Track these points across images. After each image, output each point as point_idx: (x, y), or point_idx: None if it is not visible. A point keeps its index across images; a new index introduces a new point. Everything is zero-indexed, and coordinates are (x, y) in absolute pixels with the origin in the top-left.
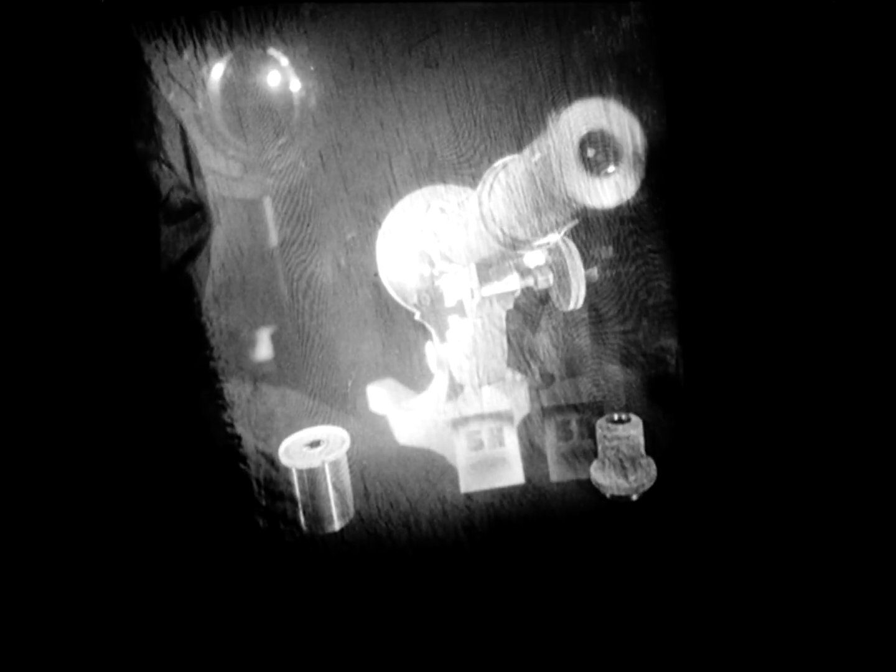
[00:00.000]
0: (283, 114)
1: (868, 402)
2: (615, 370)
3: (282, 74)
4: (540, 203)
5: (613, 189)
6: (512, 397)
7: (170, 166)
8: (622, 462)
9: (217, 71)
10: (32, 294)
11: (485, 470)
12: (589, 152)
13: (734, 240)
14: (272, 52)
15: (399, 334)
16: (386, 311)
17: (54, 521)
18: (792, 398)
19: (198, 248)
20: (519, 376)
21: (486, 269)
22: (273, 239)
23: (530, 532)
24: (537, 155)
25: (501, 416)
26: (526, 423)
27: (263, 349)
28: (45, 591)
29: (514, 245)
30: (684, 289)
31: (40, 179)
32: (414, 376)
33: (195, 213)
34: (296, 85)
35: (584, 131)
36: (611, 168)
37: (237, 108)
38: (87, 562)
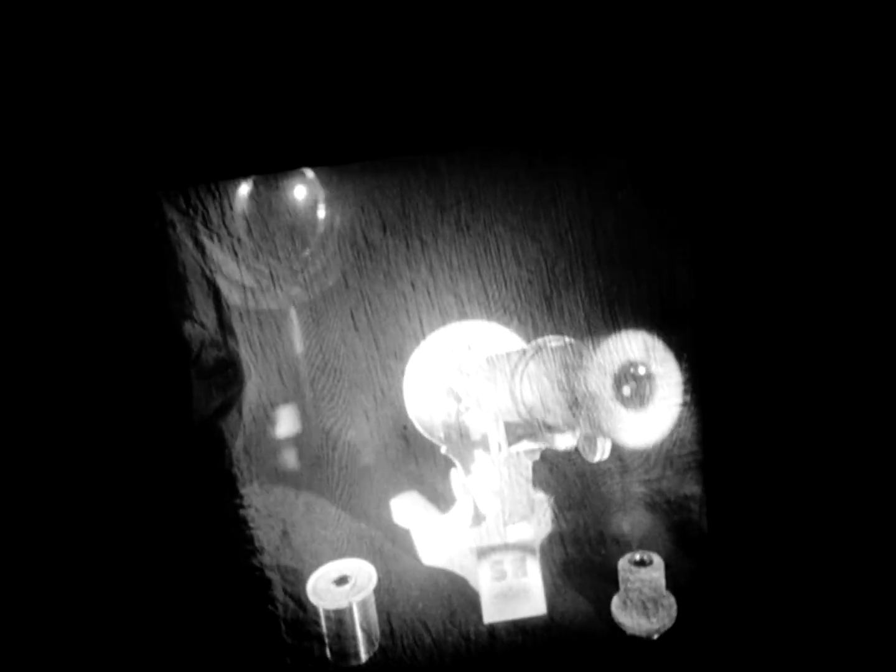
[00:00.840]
0: (309, 226)
1: None
2: (639, 514)
3: (308, 188)
4: (569, 402)
5: (647, 426)
6: (535, 520)
7: (202, 325)
8: (644, 603)
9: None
10: (77, 444)
11: (508, 601)
12: (625, 391)
13: (757, 396)
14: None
15: (428, 476)
16: (414, 461)
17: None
18: (812, 551)
19: (230, 403)
20: (541, 496)
21: (515, 428)
22: (306, 393)
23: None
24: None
25: (525, 548)
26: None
27: (293, 497)
28: None
29: (542, 426)
30: (709, 440)
31: (81, 339)
32: (438, 496)
33: (227, 370)
34: (320, 199)
35: (619, 365)
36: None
37: (266, 224)
38: None
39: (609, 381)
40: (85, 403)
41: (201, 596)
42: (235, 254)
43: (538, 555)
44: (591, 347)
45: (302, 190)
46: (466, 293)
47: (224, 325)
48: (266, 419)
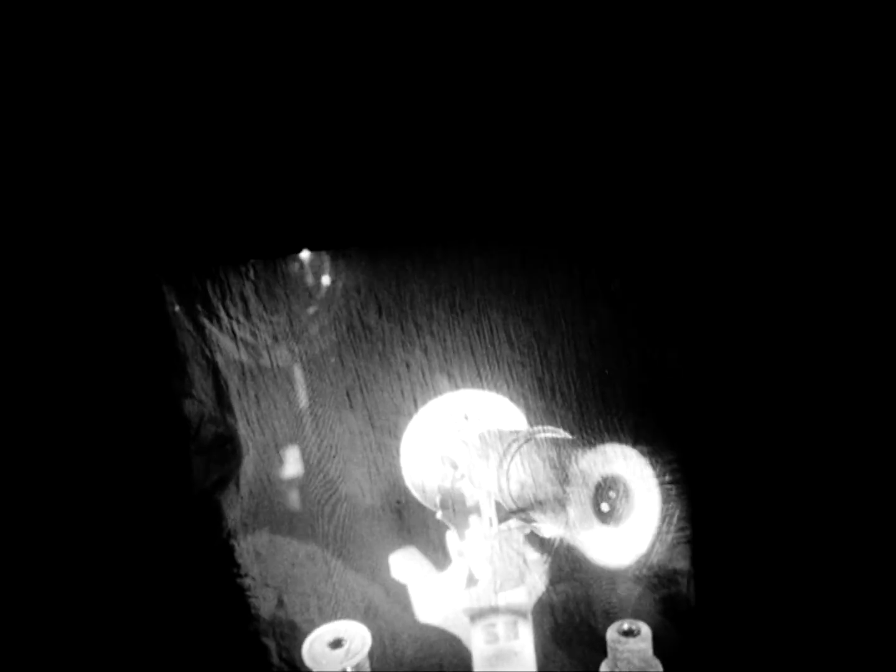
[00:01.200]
0: (306, 308)
1: None
2: (628, 586)
3: (306, 271)
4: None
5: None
6: (528, 585)
7: (201, 402)
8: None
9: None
10: (75, 511)
11: (499, 663)
12: (603, 506)
13: (747, 477)
14: None
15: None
16: (407, 533)
17: None
18: (797, 628)
19: (227, 478)
20: (536, 556)
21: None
22: (302, 469)
23: None
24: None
25: (517, 611)
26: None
27: (289, 566)
28: None
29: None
30: (698, 518)
31: (84, 416)
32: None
33: (225, 445)
34: (317, 282)
35: (598, 478)
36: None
37: (264, 306)
38: None
39: (589, 493)
40: (89, 476)
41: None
42: (234, 334)
43: (530, 618)
44: (580, 444)
45: (300, 273)
46: (460, 373)
47: (223, 403)
48: (263, 493)
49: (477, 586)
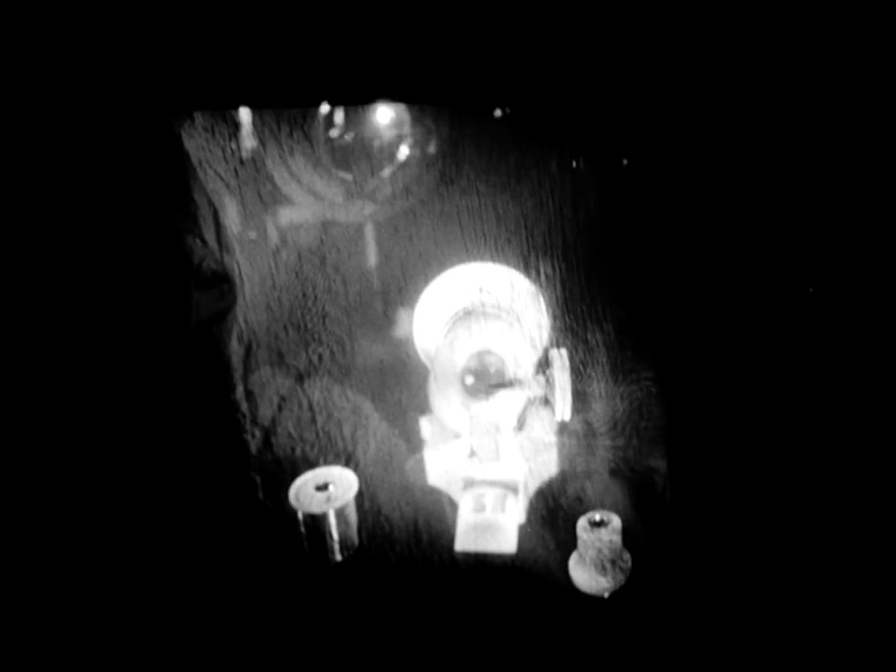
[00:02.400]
0: (389, 147)
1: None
2: (601, 477)
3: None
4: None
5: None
6: (535, 462)
7: (203, 241)
8: (603, 563)
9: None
10: (70, 342)
11: (482, 532)
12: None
13: (726, 378)
14: None
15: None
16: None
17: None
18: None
19: (224, 313)
20: (552, 438)
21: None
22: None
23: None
24: None
25: (508, 485)
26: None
27: (275, 408)
28: None
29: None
30: (677, 417)
31: (90, 243)
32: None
33: (223, 284)
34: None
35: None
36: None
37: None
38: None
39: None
40: (90, 303)
41: (190, 491)
42: (237, 175)
43: (521, 496)
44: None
45: (315, 125)
46: (446, 242)
47: (223, 243)
48: (255, 334)
49: (476, 458)
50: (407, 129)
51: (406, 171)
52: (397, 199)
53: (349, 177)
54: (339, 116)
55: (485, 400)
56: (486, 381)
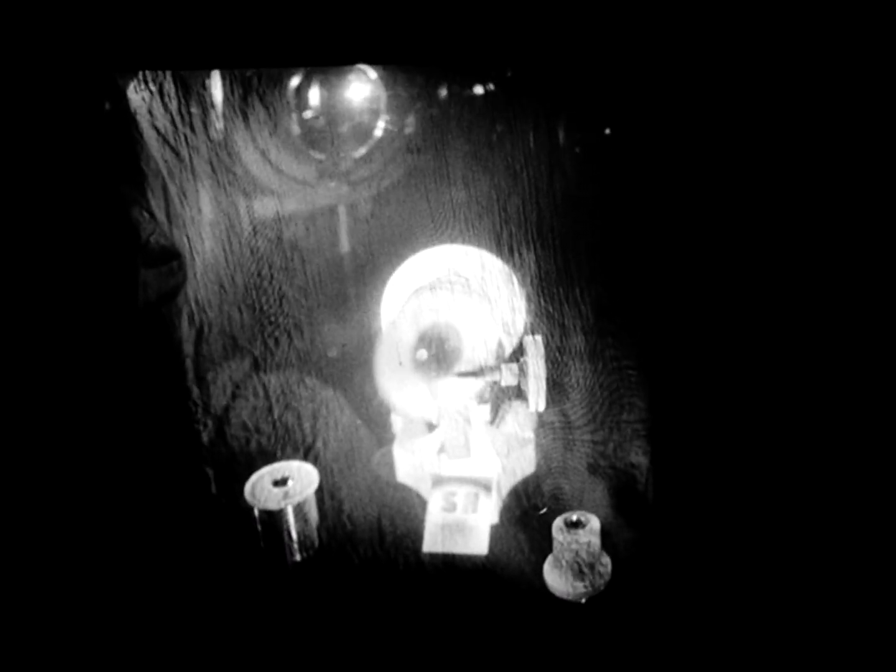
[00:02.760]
0: (365, 126)
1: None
2: (579, 475)
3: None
4: None
5: None
6: (508, 458)
7: (151, 213)
8: (580, 567)
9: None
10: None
11: (451, 533)
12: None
13: (709, 368)
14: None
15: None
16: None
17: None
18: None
19: (173, 293)
20: (530, 435)
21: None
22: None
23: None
24: None
25: (480, 483)
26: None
27: (228, 395)
28: None
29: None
30: (660, 409)
31: (24, 214)
32: None
33: (172, 261)
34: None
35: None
36: None
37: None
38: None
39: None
40: (24, 280)
41: (137, 484)
42: (186, 143)
43: (494, 494)
44: None
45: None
46: (417, 222)
47: (172, 217)
48: (206, 315)
49: (446, 453)
50: (382, 106)
51: (380, 152)
52: (371, 181)
53: (321, 156)
54: (312, 94)
55: (436, 378)
56: (441, 357)
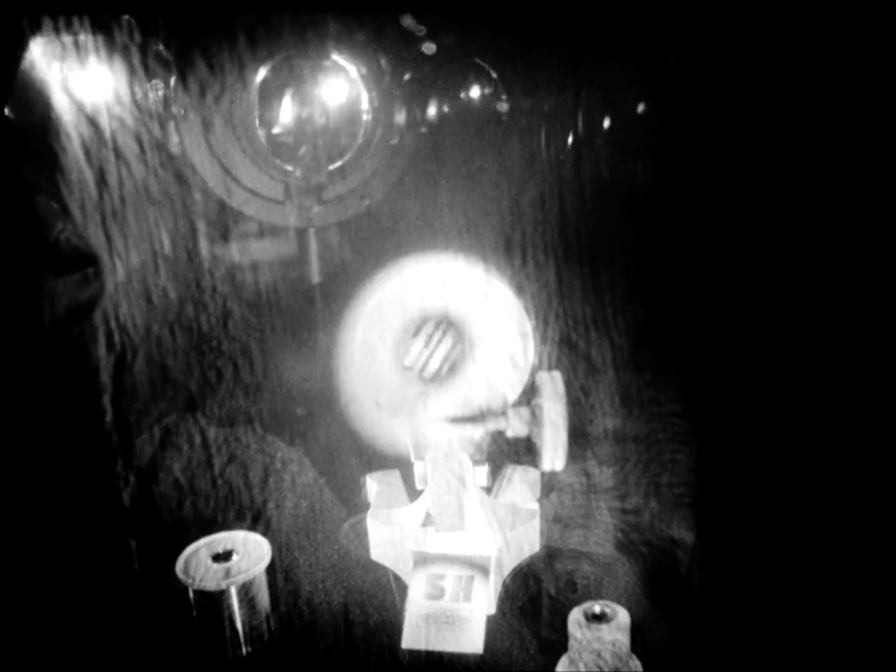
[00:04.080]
0: (344, 134)
1: None
2: (604, 554)
3: (349, 86)
4: None
5: None
6: (512, 532)
7: (62, 205)
8: (601, 670)
9: (260, 74)
10: None
11: (437, 627)
12: None
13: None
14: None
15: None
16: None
17: None
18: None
19: (88, 307)
20: (534, 506)
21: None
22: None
23: None
24: None
25: (475, 564)
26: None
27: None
28: None
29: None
30: (711, 470)
31: None
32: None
33: (87, 267)
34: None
35: None
36: None
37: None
38: None
39: None
40: None
41: (41, 557)
42: (108, 113)
43: (492, 578)
44: None
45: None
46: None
47: (86, 211)
48: (129, 338)
49: (433, 525)
50: (365, 105)
51: (362, 162)
52: (350, 199)
53: (290, 168)
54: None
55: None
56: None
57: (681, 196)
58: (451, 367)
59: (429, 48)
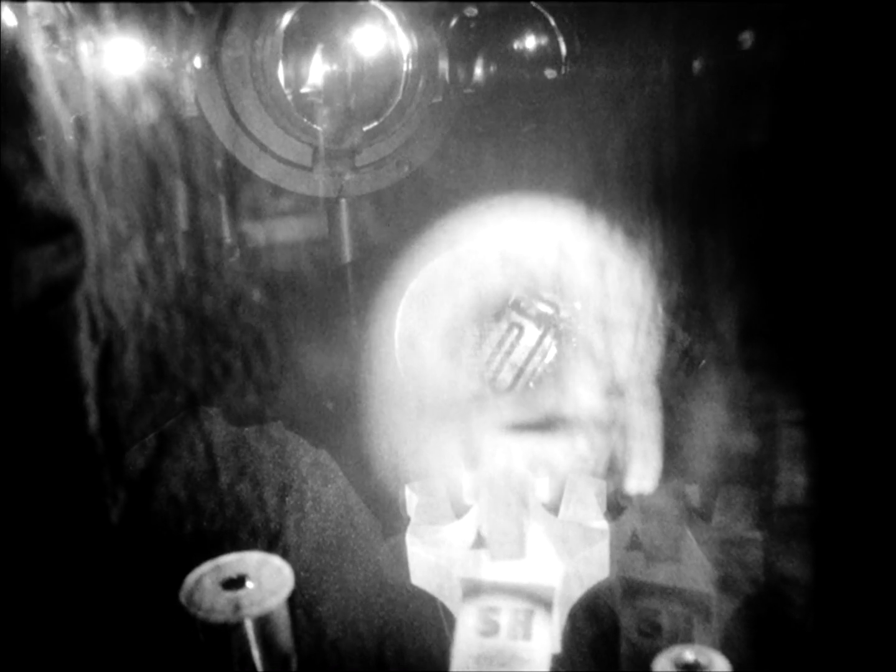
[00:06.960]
0: (381, 90)
1: None
2: (698, 590)
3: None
4: None
5: None
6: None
7: (33, 160)
8: None
9: (285, 18)
10: None
11: (492, 667)
12: None
13: None
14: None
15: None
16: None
17: None
18: None
19: (66, 286)
20: (603, 526)
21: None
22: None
23: None
24: None
25: (536, 596)
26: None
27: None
28: None
29: None
30: (834, 492)
31: None
32: None
33: (65, 237)
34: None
35: None
36: None
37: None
38: None
39: None
40: None
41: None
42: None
43: (557, 613)
44: None
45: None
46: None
47: (64, 167)
48: (117, 322)
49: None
50: (405, 57)
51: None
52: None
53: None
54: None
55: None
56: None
57: (810, 151)
58: (536, 379)
59: (470, 11)
